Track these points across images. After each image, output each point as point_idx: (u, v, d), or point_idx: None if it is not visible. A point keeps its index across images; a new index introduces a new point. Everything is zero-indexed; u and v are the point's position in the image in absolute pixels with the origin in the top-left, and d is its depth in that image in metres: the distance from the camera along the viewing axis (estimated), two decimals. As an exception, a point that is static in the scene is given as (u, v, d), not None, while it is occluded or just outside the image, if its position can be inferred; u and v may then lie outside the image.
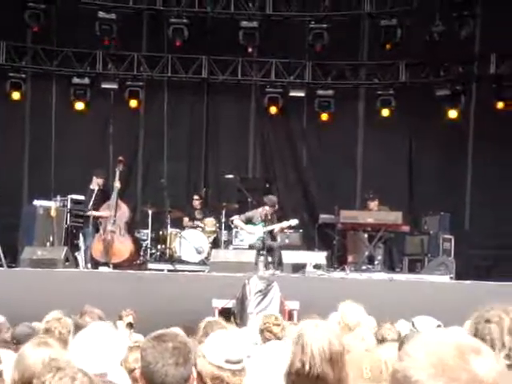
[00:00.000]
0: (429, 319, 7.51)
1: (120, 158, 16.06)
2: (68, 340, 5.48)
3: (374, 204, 16.33)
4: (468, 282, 14.36)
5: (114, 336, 4.11)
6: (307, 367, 3.51)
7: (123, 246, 15.49)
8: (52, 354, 3.88)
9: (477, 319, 3.58)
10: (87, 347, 3.95)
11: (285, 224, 15.69)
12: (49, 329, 5.92)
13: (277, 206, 15.96)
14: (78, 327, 5.47)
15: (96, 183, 15.93)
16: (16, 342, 6.20)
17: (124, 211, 15.70)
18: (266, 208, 15.58)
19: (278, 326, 6.83)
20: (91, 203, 15.58)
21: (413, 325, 7.46)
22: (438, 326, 7.28)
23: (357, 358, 4.39)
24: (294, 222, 15.79)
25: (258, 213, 15.68)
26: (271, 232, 15.67)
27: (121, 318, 9.29)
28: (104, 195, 15.85)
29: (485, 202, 18.01)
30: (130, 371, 5.09)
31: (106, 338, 4.04)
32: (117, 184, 15.61)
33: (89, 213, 15.55)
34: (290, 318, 11.83)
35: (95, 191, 15.75)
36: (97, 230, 15.64)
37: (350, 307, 6.89)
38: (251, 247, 15.23)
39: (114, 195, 15.54)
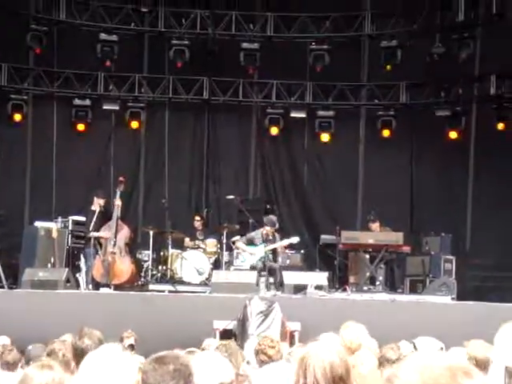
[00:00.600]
0: (430, 340, 7.50)
1: (121, 178, 16.07)
2: (71, 362, 5.47)
3: (375, 226, 16.34)
4: (470, 302, 14.33)
5: (125, 360, 4.07)
6: None
7: (124, 267, 15.45)
8: (55, 376, 3.87)
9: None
10: (95, 372, 3.92)
11: (285, 242, 15.66)
12: (52, 350, 5.91)
13: (277, 226, 15.94)
14: (76, 349, 5.45)
15: (97, 204, 15.93)
16: (27, 363, 6.19)
17: (124, 232, 15.67)
18: (267, 228, 15.57)
19: (272, 348, 6.79)
20: (92, 224, 15.56)
21: (414, 346, 7.45)
22: (441, 348, 7.26)
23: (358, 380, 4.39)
24: (295, 239, 15.76)
25: (260, 233, 15.67)
26: (273, 252, 15.65)
27: (122, 340, 9.26)
28: (105, 216, 15.84)
29: (486, 223, 18.01)
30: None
31: (117, 362, 4.01)
32: (117, 202, 15.59)
33: (90, 234, 15.53)
34: (292, 339, 11.80)
35: (96, 212, 15.75)
36: (97, 252, 15.61)
37: (352, 328, 6.87)
38: (252, 268, 15.20)
39: (115, 216, 15.52)
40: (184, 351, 6.10)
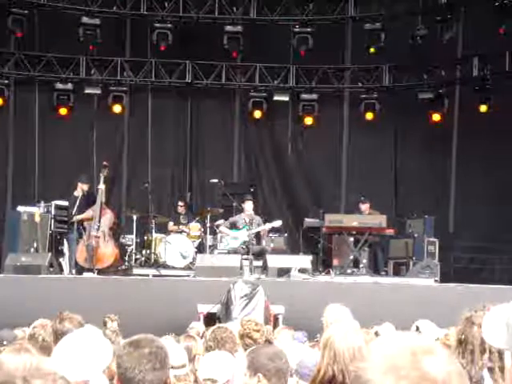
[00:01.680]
0: (429, 323, 7.51)
1: (104, 162, 16.01)
2: (52, 347, 5.45)
3: (365, 207, 16.35)
4: (453, 284, 14.40)
5: (100, 342, 4.07)
6: (340, 377, 3.46)
7: (107, 252, 15.41)
8: (32, 360, 3.85)
9: (465, 321, 3.57)
10: (71, 353, 3.92)
11: (268, 225, 15.69)
12: (33, 335, 5.89)
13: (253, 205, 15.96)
14: (57, 333, 5.43)
15: (81, 189, 15.86)
16: None
17: (108, 217, 15.62)
18: (248, 207, 15.59)
19: (257, 331, 6.79)
20: (75, 209, 15.52)
21: (417, 329, 7.47)
22: (417, 328, 7.28)
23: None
24: (278, 223, 15.78)
25: (242, 217, 15.68)
26: (256, 236, 15.66)
27: (105, 324, 9.24)
28: (88, 200, 15.78)
29: (469, 205, 18.08)
30: (111, 378, 5.08)
31: (92, 344, 4.00)
32: (101, 187, 15.52)
33: (74, 218, 15.48)
34: (276, 322, 11.82)
35: (79, 197, 15.69)
36: (81, 236, 15.57)
37: (335, 310, 6.88)
38: (236, 252, 15.21)
39: (99, 200, 15.47)
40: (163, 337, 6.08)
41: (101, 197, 15.48)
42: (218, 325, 7.45)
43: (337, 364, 3.51)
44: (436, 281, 14.75)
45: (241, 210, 16.11)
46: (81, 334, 4.17)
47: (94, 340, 4.04)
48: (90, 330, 4.29)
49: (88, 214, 15.44)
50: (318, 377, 3.63)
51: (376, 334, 7.47)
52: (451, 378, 1.65)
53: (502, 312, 2.46)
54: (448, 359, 1.68)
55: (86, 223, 15.52)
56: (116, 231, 16.48)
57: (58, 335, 5.14)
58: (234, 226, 15.74)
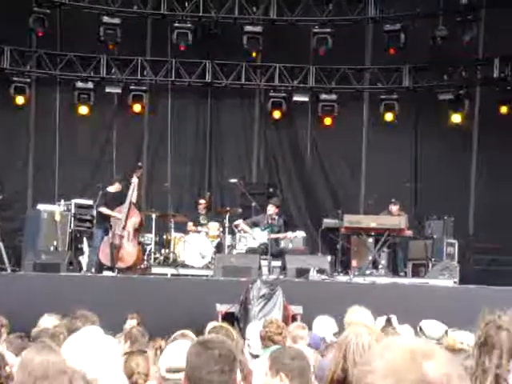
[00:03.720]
0: (435, 323, 7.50)
1: (139, 163, 16.09)
2: None
3: (396, 208, 16.36)
4: (472, 286, 14.35)
5: (105, 341, 4.08)
6: (350, 377, 3.46)
7: (130, 252, 15.43)
8: (55, 357, 3.88)
9: (488, 325, 3.55)
10: (78, 351, 3.94)
11: (290, 234, 15.76)
12: (54, 333, 5.93)
13: (279, 207, 16.00)
14: (69, 331, 5.47)
15: (117, 188, 15.76)
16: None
17: (136, 217, 15.61)
18: (270, 209, 15.60)
19: (279, 334, 6.80)
20: (102, 203, 15.42)
21: (420, 329, 7.46)
22: (445, 331, 7.26)
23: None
24: (301, 233, 15.89)
25: (265, 217, 15.70)
26: (276, 238, 15.71)
27: (125, 322, 9.29)
28: (118, 199, 15.69)
29: (489, 206, 18.00)
30: (130, 375, 5.10)
31: (98, 344, 4.02)
32: (133, 186, 15.44)
33: (101, 209, 15.40)
34: (294, 322, 11.81)
35: (109, 194, 15.61)
36: (106, 233, 15.53)
37: (359, 313, 6.87)
38: (254, 252, 15.22)
39: (128, 199, 15.41)
40: (177, 333, 6.10)
41: (131, 196, 15.44)
42: (214, 324, 7.44)
43: (348, 362, 3.52)
44: (455, 282, 14.70)
45: (260, 210, 16.12)
46: (85, 333, 4.18)
47: (98, 339, 4.05)
48: (95, 329, 4.31)
49: (117, 213, 15.40)
50: (330, 377, 3.63)
51: (388, 321, 7.47)
52: (450, 380, 1.65)
53: None
54: (448, 362, 1.68)
55: (112, 221, 15.51)
56: (140, 233, 16.50)
57: (70, 333, 5.17)
58: (255, 225, 15.77)
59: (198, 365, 3.24)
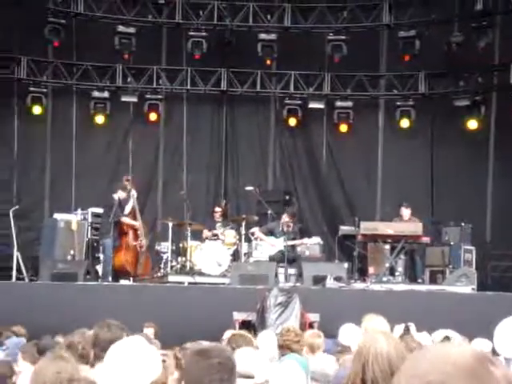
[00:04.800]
0: (449, 332, 7.46)
1: (127, 177, 16.19)
2: (90, 355, 5.49)
3: (407, 212, 16.12)
4: (490, 293, 14.28)
5: (150, 353, 4.04)
6: None
7: (144, 260, 15.65)
8: (68, 367, 3.88)
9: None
10: (120, 363, 3.91)
11: (306, 241, 15.75)
12: (71, 343, 5.93)
13: (295, 216, 16.00)
14: (97, 341, 5.46)
15: (120, 194, 15.86)
16: (40, 354, 6.22)
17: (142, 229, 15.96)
18: (285, 218, 15.60)
19: (297, 342, 6.79)
20: (115, 213, 15.50)
21: (407, 329, 7.44)
22: (446, 337, 7.23)
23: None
24: (316, 240, 15.85)
25: (279, 224, 15.70)
26: (292, 245, 15.69)
27: (142, 331, 9.29)
28: (123, 206, 15.79)
29: (506, 212, 17.91)
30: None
31: (142, 355, 3.98)
32: (133, 193, 15.67)
33: (124, 219, 15.59)
34: (310, 330, 11.79)
35: (116, 202, 15.70)
36: (115, 242, 15.57)
37: (373, 320, 6.85)
38: (271, 259, 15.21)
39: (137, 208, 15.63)
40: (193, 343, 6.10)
41: (136, 205, 15.67)
42: (233, 332, 7.44)
43: (367, 373, 3.49)
44: (473, 289, 14.62)
45: (276, 218, 16.12)
46: (131, 343, 4.14)
47: (144, 351, 4.03)
48: (140, 340, 4.27)
49: (135, 222, 15.59)
50: None
51: (407, 329, 7.44)
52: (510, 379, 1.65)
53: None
54: (503, 364, 1.69)
55: (126, 228, 15.62)
56: (150, 239, 16.62)
57: (98, 343, 5.17)
58: (270, 233, 15.76)
59: (198, 374, 3.22)
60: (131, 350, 3.93)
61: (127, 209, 15.68)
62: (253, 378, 4.32)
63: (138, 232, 15.70)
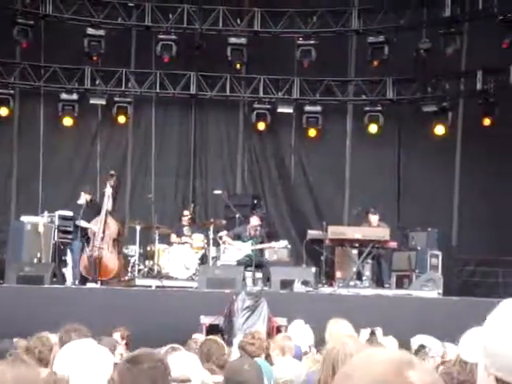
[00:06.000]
0: (427, 338, 7.51)
1: (111, 172, 16.04)
2: (49, 359, 5.47)
3: (375, 218, 16.13)
4: (456, 297, 14.39)
5: (99, 353, 4.07)
6: None
7: (111, 263, 15.42)
8: (28, 371, 3.86)
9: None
10: (71, 364, 3.93)
11: (273, 245, 15.78)
12: (29, 347, 5.91)
13: (262, 220, 16.02)
14: (63, 344, 5.44)
15: (84, 198, 15.83)
16: None
17: (113, 227, 15.64)
18: (254, 222, 15.62)
19: (252, 344, 6.80)
20: (80, 216, 15.46)
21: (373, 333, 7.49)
22: (421, 345, 7.28)
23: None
24: (284, 243, 15.89)
25: (246, 229, 15.70)
26: (260, 249, 15.71)
27: (111, 335, 9.25)
28: (93, 210, 15.77)
29: (472, 217, 18.08)
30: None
31: (91, 355, 4.00)
32: (108, 192, 15.49)
33: (78, 222, 15.40)
34: (278, 334, 11.80)
35: (83, 205, 15.65)
36: (84, 246, 15.51)
37: (338, 324, 6.88)
38: (239, 263, 15.22)
39: (104, 210, 15.45)
40: (167, 347, 6.10)
41: (106, 206, 15.48)
42: (207, 338, 7.45)
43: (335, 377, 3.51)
44: (439, 293, 14.73)
45: (244, 222, 16.13)
46: (80, 344, 4.17)
47: (94, 350, 4.04)
48: (89, 341, 4.30)
49: (94, 225, 15.41)
50: None
51: (373, 333, 7.48)
52: None
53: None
54: (430, 371, 1.70)
55: (90, 233, 15.52)
56: (120, 242, 16.47)
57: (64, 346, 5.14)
58: (238, 238, 15.76)
59: (130, 381, 3.23)
60: (81, 353, 3.93)
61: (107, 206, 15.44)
62: (189, 381, 4.34)
63: (94, 237, 15.45)
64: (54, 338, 6.25)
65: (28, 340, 6.30)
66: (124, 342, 9.28)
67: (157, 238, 16.18)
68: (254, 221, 15.74)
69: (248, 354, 6.73)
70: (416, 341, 7.63)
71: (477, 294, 15.48)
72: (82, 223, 15.39)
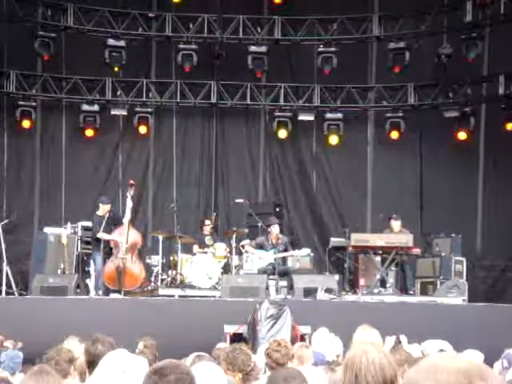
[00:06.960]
0: (440, 342, 7.44)
1: (131, 181, 16.05)
2: (68, 369, 5.46)
3: (397, 224, 16.05)
4: (481, 304, 14.27)
5: (135, 364, 4.04)
6: None
7: (135, 274, 15.41)
8: (50, 381, 3.86)
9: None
10: (109, 376, 3.89)
11: (296, 253, 15.72)
12: (48, 358, 5.92)
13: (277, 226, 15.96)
14: (89, 355, 5.43)
15: (102, 210, 15.82)
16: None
17: (137, 239, 15.64)
18: (275, 230, 15.57)
19: (277, 351, 6.76)
20: (101, 228, 15.48)
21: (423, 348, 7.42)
22: (441, 350, 7.21)
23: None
24: (306, 251, 15.82)
25: (268, 238, 15.66)
26: (283, 258, 15.66)
27: (137, 345, 9.24)
28: (113, 221, 15.78)
29: (496, 223, 17.95)
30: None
31: (129, 367, 3.97)
32: (129, 204, 15.51)
33: (99, 235, 15.41)
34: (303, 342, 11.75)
35: (104, 217, 15.64)
36: (108, 257, 15.53)
37: (366, 331, 6.82)
38: (262, 272, 15.18)
39: (126, 221, 15.45)
40: (193, 355, 6.08)
41: (128, 216, 15.47)
42: (233, 346, 7.41)
43: (361, 382, 3.47)
44: (464, 300, 14.62)
45: (266, 231, 16.09)
46: (116, 357, 4.13)
47: (131, 363, 4.01)
48: (125, 353, 4.26)
49: (116, 238, 15.39)
50: None
51: (398, 341, 7.42)
52: None
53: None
54: (501, 383, 1.65)
55: (113, 244, 15.52)
56: (142, 252, 16.48)
57: (90, 357, 5.14)
58: (260, 247, 15.72)
59: None
60: (118, 364, 3.90)
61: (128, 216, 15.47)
62: None
63: (117, 248, 15.45)
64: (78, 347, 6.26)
65: (47, 351, 6.31)
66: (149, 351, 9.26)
67: (179, 247, 16.17)
68: (275, 229, 15.69)
69: (273, 361, 6.69)
70: (430, 345, 7.56)
71: (501, 299, 15.34)
72: (103, 236, 15.38)
